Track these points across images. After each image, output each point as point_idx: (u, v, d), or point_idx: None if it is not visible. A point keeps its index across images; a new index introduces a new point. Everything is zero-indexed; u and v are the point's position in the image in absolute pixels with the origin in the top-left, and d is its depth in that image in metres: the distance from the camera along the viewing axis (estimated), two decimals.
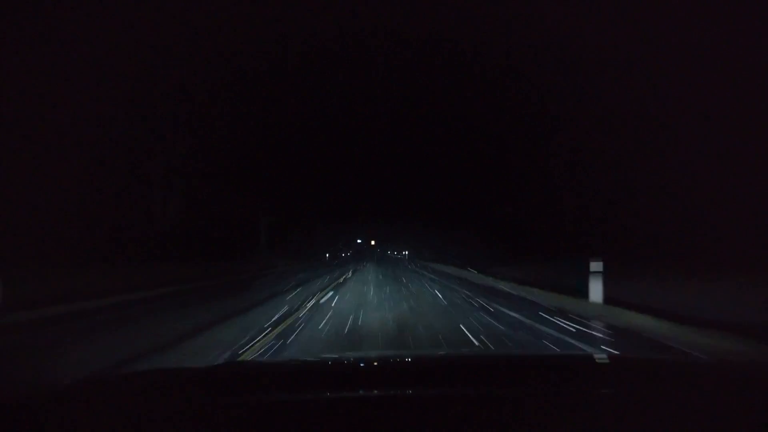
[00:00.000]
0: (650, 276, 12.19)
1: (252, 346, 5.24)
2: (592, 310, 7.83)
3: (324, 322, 6.97)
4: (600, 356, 3.26)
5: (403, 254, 78.24)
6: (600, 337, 5.91)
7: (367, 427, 1.03)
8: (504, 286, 13.09)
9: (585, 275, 8.60)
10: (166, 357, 4.85)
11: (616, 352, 4.85)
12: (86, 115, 16.48)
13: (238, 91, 25.51)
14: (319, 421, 1.04)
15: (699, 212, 15.78)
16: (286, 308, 8.51)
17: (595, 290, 8.33)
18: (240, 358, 4.57)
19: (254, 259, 28.62)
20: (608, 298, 8.22)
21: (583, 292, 8.86)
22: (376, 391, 1.29)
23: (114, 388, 1.35)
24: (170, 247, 19.36)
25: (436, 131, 42.60)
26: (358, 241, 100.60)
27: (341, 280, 16.97)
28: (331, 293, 11.57)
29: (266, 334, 5.94)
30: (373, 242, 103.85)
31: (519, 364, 1.79)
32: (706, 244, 14.77)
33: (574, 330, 6.27)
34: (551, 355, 3.17)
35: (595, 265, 8.39)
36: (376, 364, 1.86)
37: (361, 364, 1.83)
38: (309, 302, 9.47)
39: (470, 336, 5.86)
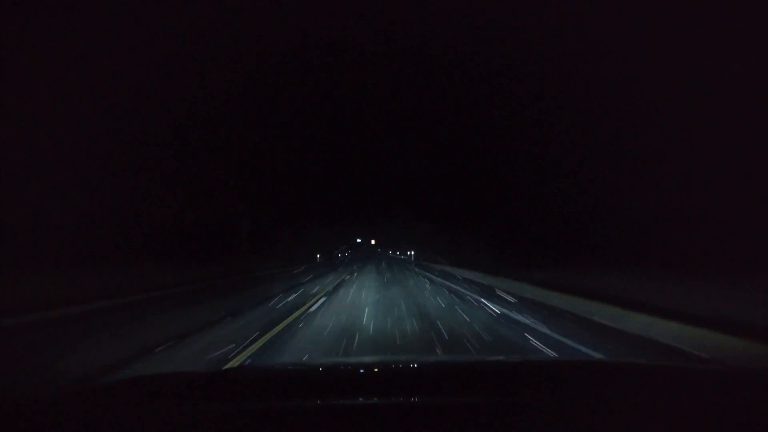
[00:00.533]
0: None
1: None
2: None
3: None
4: (599, 362, 3.17)
5: (407, 254, 69.58)
6: None
7: None
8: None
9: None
10: None
11: (615, 359, 4.24)
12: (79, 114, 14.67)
13: (233, 86, 23.61)
14: (317, 428, 1.02)
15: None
16: None
17: None
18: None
19: (243, 259, 26.37)
20: None
21: None
22: (376, 399, 1.27)
23: (108, 395, 1.33)
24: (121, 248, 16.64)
25: (437, 125, 39.79)
26: (358, 240, 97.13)
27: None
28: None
29: None
30: (373, 241, 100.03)
31: (520, 371, 1.73)
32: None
33: None
34: (554, 361, 2.83)
35: None
36: (376, 370, 1.80)
37: (361, 371, 1.79)
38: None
39: None
